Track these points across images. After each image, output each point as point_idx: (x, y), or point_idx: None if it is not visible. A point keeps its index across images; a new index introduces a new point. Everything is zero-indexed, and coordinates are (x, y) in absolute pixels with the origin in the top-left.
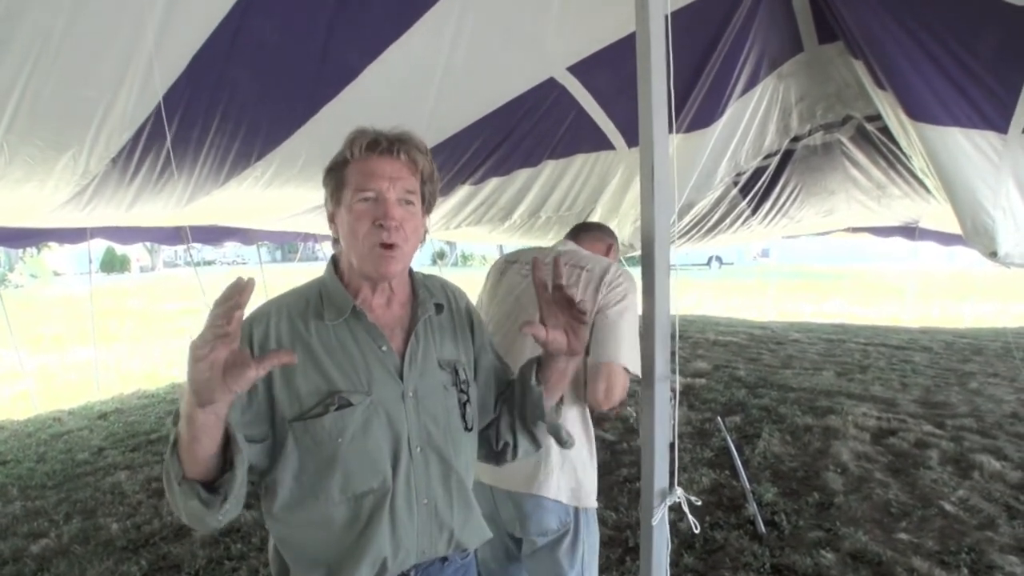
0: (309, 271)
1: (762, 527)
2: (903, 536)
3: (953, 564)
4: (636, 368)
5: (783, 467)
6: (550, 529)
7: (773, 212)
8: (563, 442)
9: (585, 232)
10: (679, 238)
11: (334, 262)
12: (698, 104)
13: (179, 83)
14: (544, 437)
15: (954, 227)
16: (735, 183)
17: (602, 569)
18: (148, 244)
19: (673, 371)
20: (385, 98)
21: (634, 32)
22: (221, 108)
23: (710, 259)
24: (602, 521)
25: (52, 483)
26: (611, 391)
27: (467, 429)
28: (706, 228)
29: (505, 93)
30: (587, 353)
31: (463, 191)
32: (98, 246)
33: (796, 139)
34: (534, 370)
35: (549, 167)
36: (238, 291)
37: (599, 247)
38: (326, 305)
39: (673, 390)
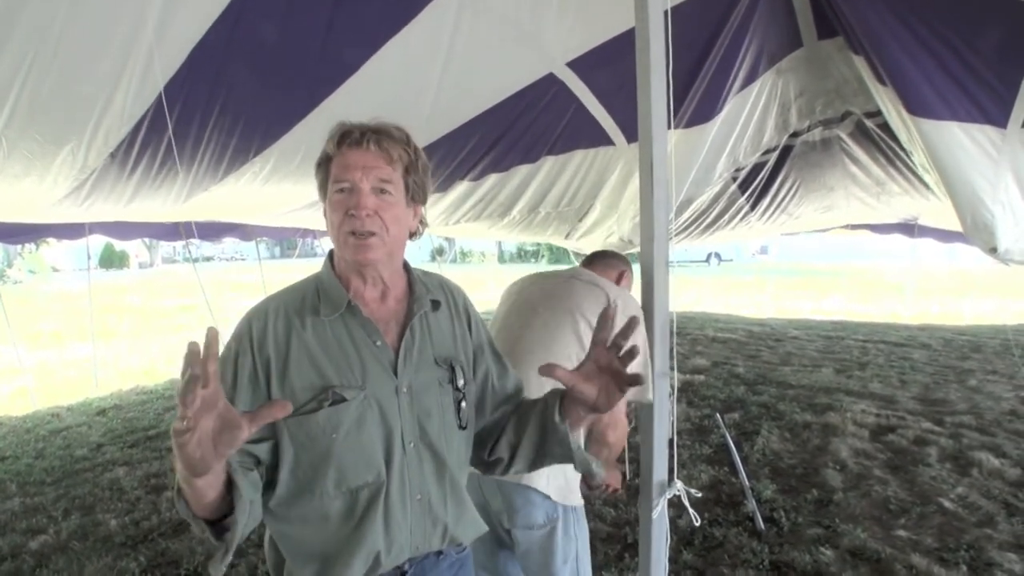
0: (308, 267)
1: (761, 524)
2: (902, 533)
3: (952, 561)
4: (647, 395)
5: (782, 464)
6: (536, 523)
7: (772, 208)
8: (594, 475)
9: (599, 260)
10: (677, 234)
11: (331, 257)
12: (697, 99)
13: (177, 78)
14: (544, 463)
15: (953, 224)
16: (734, 179)
17: (601, 566)
18: (147, 240)
19: (672, 368)
20: (384, 93)
21: (634, 27)
22: (219, 103)
23: (709, 256)
24: (600, 518)
25: (51, 479)
26: (615, 422)
27: (461, 427)
28: (705, 224)
29: (504, 89)
30: None
31: (462, 187)
32: (97, 242)
33: (795, 135)
34: (557, 406)
35: (548, 163)
36: (195, 360)
37: (611, 274)
38: (322, 300)
39: (672, 386)
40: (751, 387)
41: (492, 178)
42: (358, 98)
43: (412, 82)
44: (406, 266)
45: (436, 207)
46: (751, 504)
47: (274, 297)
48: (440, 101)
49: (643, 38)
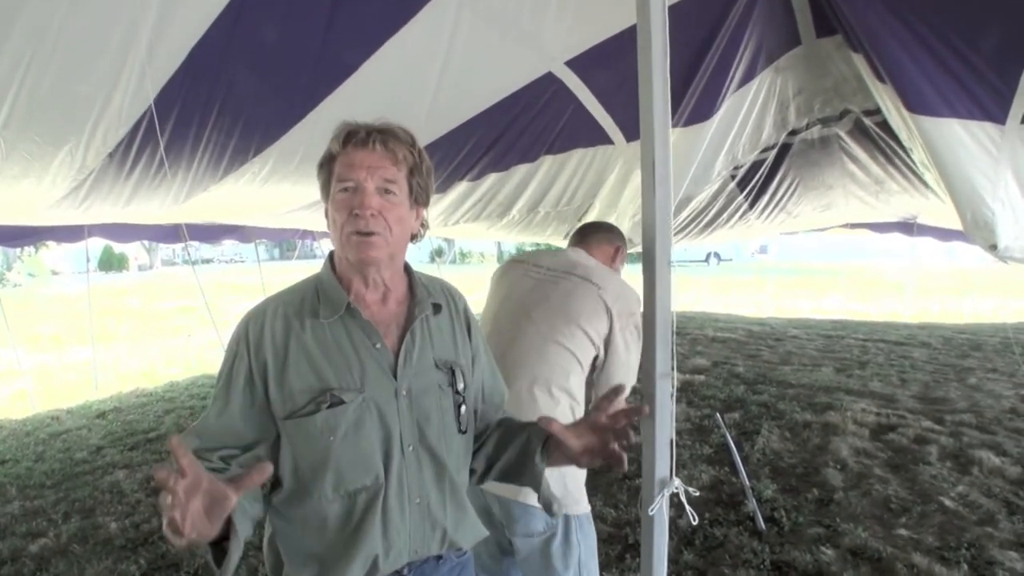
0: (307, 269)
1: (762, 523)
2: (903, 532)
3: (953, 560)
4: (634, 378)
5: (782, 463)
6: (536, 531)
7: (770, 206)
8: (553, 514)
9: (593, 235)
10: (677, 233)
11: (331, 258)
12: (696, 98)
13: (176, 78)
14: (514, 484)
15: (952, 222)
16: (732, 177)
17: (602, 566)
18: (146, 243)
19: (672, 368)
20: (383, 93)
21: (632, 26)
22: (218, 103)
23: (708, 255)
24: (601, 518)
25: (51, 482)
26: None
27: (461, 431)
28: (704, 223)
29: (503, 88)
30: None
31: (461, 187)
32: (96, 245)
33: (793, 133)
34: (541, 448)
35: (547, 162)
36: (163, 478)
37: (607, 250)
38: (322, 302)
39: (672, 386)
40: (751, 387)
41: (491, 178)
42: (357, 98)
43: (411, 82)
44: (407, 268)
45: (435, 207)
46: (752, 504)
47: (273, 298)
48: (439, 101)
49: (645, 36)
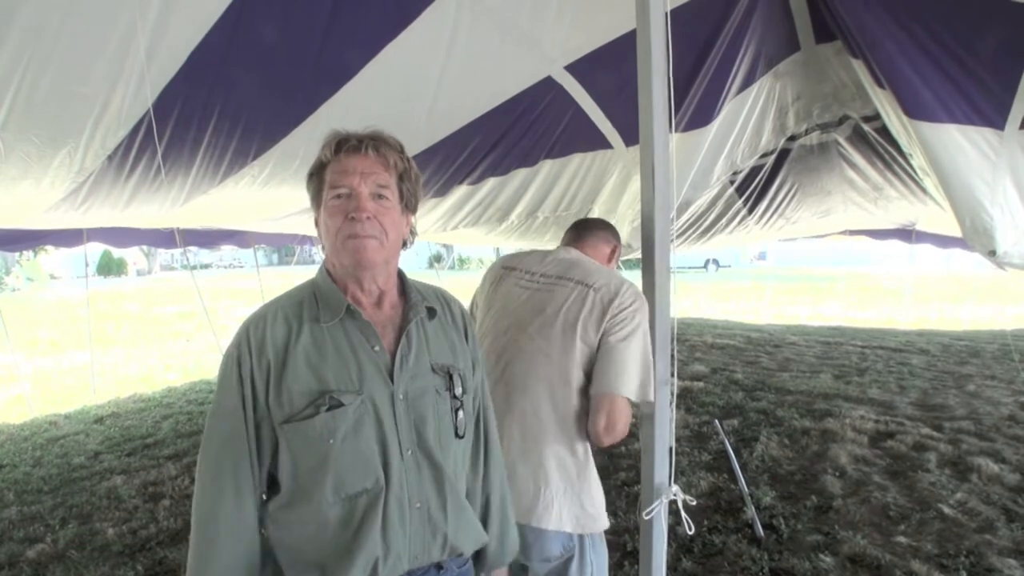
0: (306, 274)
1: (760, 531)
2: (902, 539)
3: (952, 567)
4: (646, 394)
5: (781, 470)
6: (553, 556)
7: (769, 212)
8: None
9: (587, 233)
10: (676, 238)
11: (325, 264)
12: (696, 103)
13: (176, 79)
14: None
15: (951, 229)
16: (731, 182)
17: None
18: (145, 247)
19: (672, 374)
20: (382, 97)
21: (631, 31)
22: (218, 105)
23: (707, 262)
24: None
25: (48, 487)
26: (612, 426)
27: (458, 436)
28: (702, 228)
29: (502, 92)
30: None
31: (460, 191)
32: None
33: (792, 138)
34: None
35: (546, 166)
36: None
37: (603, 249)
38: (321, 306)
39: (671, 393)
40: (750, 393)
41: (490, 182)
42: (357, 101)
43: (411, 85)
44: (399, 273)
45: (435, 211)
46: (750, 511)
47: (271, 303)
48: (439, 104)
49: (644, 41)
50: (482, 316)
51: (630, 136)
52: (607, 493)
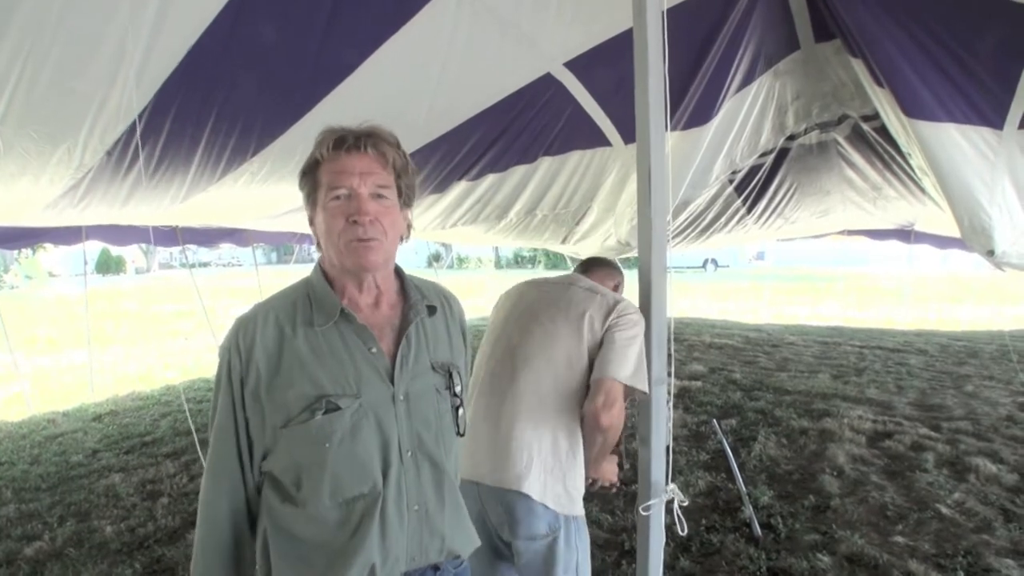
0: (304, 272)
1: (758, 530)
2: (899, 539)
3: (950, 567)
4: (639, 381)
5: (779, 470)
6: (538, 534)
7: (768, 212)
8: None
9: (595, 267)
10: (674, 237)
11: (320, 264)
12: (695, 101)
13: (175, 75)
14: None
15: (949, 230)
16: (730, 181)
17: (599, 572)
18: (143, 246)
19: (669, 374)
20: (382, 93)
21: (631, 28)
22: (218, 102)
23: (705, 262)
24: (598, 524)
25: (46, 485)
26: (609, 405)
27: (459, 434)
28: (701, 227)
29: (501, 88)
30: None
31: (460, 187)
32: (93, 248)
33: (792, 137)
34: None
35: (545, 163)
36: None
37: (609, 284)
38: (315, 309)
39: (668, 392)
40: (748, 393)
41: (489, 178)
42: (356, 98)
43: (410, 82)
44: (398, 270)
45: (434, 208)
46: (748, 510)
47: (262, 305)
48: (438, 101)
49: (641, 40)
50: (494, 318)
51: (629, 133)
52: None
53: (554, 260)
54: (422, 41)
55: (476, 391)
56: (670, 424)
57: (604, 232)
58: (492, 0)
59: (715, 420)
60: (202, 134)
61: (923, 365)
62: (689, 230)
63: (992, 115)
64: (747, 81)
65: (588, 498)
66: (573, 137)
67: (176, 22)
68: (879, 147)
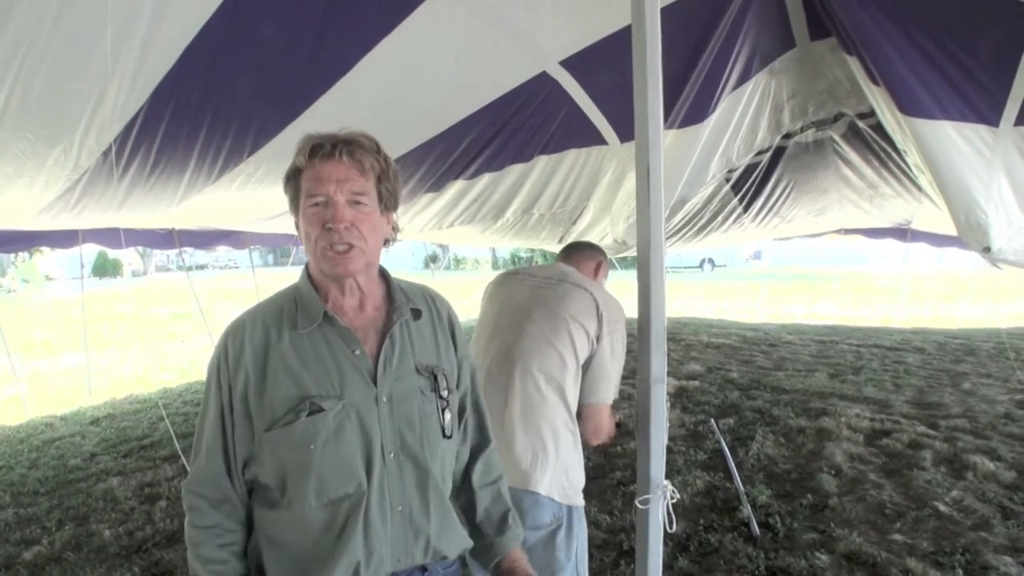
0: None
1: (756, 529)
2: (897, 537)
3: (948, 565)
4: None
5: (777, 469)
6: (543, 524)
7: (765, 210)
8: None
9: (576, 252)
10: (670, 236)
11: (307, 268)
12: (691, 100)
13: (170, 75)
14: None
15: (946, 228)
16: (727, 180)
17: (596, 572)
18: (140, 248)
19: (666, 373)
20: (377, 93)
21: (626, 26)
22: (213, 102)
23: (702, 261)
24: (596, 524)
25: (44, 489)
26: (598, 431)
27: (445, 436)
28: (698, 226)
29: (497, 87)
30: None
31: (456, 186)
32: (90, 251)
33: (788, 136)
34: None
35: (542, 162)
36: None
37: (591, 264)
38: (300, 312)
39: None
40: (745, 392)
41: (486, 177)
42: (351, 98)
43: (406, 81)
44: (383, 273)
45: (430, 208)
46: (746, 509)
47: (252, 311)
48: (434, 100)
49: (640, 37)
50: (485, 310)
51: (625, 132)
52: (602, 492)
53: (550, 261)
54: (417, 40)
55: None
56: (667, 424)
57: (601, 231)
58: None
59: (713, 420)
60: (198, 135)
61: (920, 363)
62: (686, 229)
63: (988, 112)
64: (743, 79)
65: (586, 498)
66: (569, 136)
67: (171, 23)
68: (875, 145)
